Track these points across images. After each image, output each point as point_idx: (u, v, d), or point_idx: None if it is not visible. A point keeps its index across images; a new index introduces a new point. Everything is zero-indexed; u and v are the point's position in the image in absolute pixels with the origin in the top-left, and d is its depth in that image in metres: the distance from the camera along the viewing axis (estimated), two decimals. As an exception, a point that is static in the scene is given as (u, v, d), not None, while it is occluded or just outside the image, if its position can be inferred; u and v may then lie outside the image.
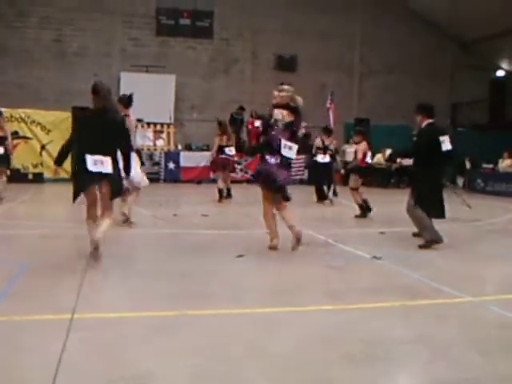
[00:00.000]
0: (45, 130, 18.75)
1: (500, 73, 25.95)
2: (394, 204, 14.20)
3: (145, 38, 23.11)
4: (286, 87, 7.41)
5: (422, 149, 7.83)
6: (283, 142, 7.09)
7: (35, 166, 18.63)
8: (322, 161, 13.90)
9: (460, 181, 21.22)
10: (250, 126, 21.61)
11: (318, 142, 14.20)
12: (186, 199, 14.20)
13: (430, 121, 8.01)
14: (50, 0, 21.97)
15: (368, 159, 11.73)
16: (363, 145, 11.84)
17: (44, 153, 18.33)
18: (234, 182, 20.26)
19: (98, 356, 3.48)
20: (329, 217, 11.69)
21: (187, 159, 20.24)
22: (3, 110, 18.29)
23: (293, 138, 7.22)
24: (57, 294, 4.88)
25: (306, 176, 21.27)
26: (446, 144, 7.84)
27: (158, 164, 20.33)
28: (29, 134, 18.76)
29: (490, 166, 20.57)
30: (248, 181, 19.98)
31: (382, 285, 5.52)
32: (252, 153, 8.34)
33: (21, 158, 17.48)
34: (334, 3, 23.76)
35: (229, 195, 13.89)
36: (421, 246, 7.74)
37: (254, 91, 23.28)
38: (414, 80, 24.17)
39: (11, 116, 18.14)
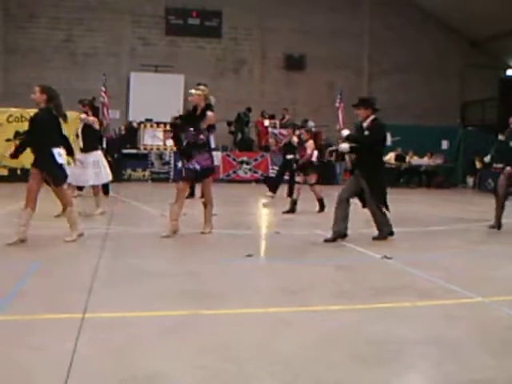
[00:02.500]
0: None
1: (510, 72, 25.86)
2: (403, 203, 14.19)
3: (154, 37, 23.18)
4: (202, 87, 8.05)
5: (375, 142, 7.92)
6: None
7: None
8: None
9: (470, 180, 21.17)
10: (259, 126, 21.67)
11: (294, 139, 13.91)
12: (195, 199, 14.18)
13: (375, 116, 8.01)
14: (60, 0, 22.07)
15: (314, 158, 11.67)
16: (311, 143, 11.80)
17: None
18: (242, 181, 20.37)
19: (110, 355, 3.49)
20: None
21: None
22: (14, 109, 18.42)
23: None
24: (68, 293, 4.90)
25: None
26: (388, 140, 8.14)
27: (167, 164, 20.37)
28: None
29: (500, 165, 20.45)
30: (257, 180, 20.00)
31: (393, 285, 5.51)
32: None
33: (29, 158, 17.50)
34: (343, 2, 23.76)
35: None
36: (375, 238, 8.02)
37: (263, 91, 23.32)
38: (424, 79, 24.13)
39: (21, 116, 18.03)
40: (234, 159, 21.13)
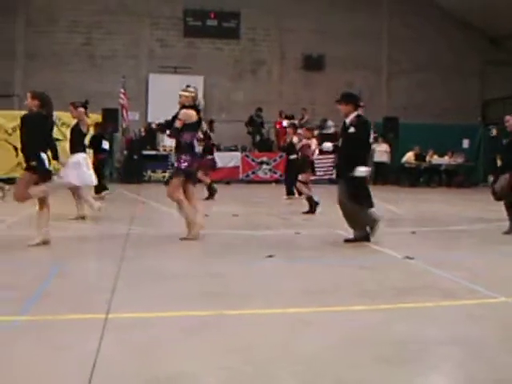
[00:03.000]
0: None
1: (531, 69, 25.54)
2: (424, 203, 14.12)
3: (172, 39, 23.26)
4: (190, 89, 8.06)
5: (363, 140, 7.67)
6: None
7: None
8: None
9: (491, 179, 20.96)
10: (278, 126, 21.66)
11: (295, 139, 13.89)
12: (215, 199, 14.23)
13: (359, 112, 7.76)
14: (79, 4, 22.25)
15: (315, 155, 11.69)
16: (314, 141, 11.80)
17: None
18: (262, 182, 20.38)
19: (133, 356, 3.51)
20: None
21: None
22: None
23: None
24: (91, 294, 4.94)
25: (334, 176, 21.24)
26: (371, 137, 7.97)
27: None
28: (59, 136, 18.97)
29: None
30: (276, 181, 20.00)
31: (415, 285, 5.48)
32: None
33: (50, 159, 17.63)
34: (362, 1, 23.67)
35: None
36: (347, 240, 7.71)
37: (282, 91, 23.30)
38: (444, 78, 23.96)
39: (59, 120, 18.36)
40: (253, 160, 21.15)
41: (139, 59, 23.10)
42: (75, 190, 9.78)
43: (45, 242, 7.19)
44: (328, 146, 8.25)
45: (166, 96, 22.05)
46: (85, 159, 10.07)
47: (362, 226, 7.73)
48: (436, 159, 21.59)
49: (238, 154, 21.32)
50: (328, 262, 6.63)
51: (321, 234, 8.47)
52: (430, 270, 6.17)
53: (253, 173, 21.01)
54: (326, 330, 4.10)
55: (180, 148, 7.91)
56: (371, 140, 7.99)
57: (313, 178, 11.50)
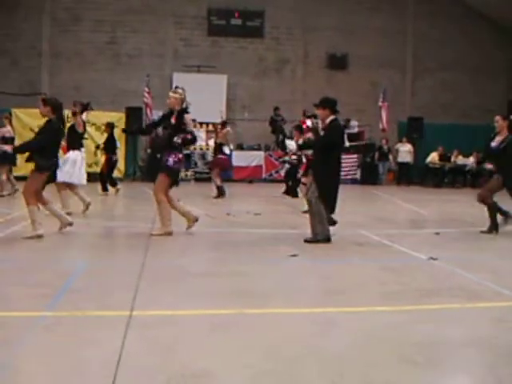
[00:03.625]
0: (99, 130, 19.08)
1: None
2: (448, 204, 13.99)
3: (196, 38, 23.31)
4: (179, 91, 8.24)
5: (333, 144, 7.77)
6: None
7: (90, 166, 18.99)
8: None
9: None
10: (302, 125, 21.57)
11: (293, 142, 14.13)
12: (238, 198, 14.26)
13: (335, 116, 7.93)
14: (103, 4, 22.41)
15: None
16: None
17: (99, 152, 18.70)
18: (280, 181, 20.35)
19: (157, 353, 3.53)
20: (382, 216, 11.53)
21: (239, 158, 20.26)
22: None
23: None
24: (115, 291, 4.98)
25: (358, 175, 21.18)
26: (346, 141, 8.17)
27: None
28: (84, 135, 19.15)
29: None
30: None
31: (440, 286, 5.43)
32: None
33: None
34: (386, 0, 23.52)
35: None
36: (307, 241, 7.64)
37: (306, 90, 23.22)
38: (469, 77, 23.71)
39: (67, 117, 18.52)
40: (276, 159, 21.14)
41: (164, 58, 23.19)
42: (65, 187, 10.11)
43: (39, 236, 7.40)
44: (291, 143, 8.49)
45: (190, 95, 22.15)
46: (83, 158, 10.49)
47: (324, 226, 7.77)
48: (461, 159, 21.36)
49: (261, 153, 21.32)
50: (352, 262, 6.61)
51: (344, 233, 8.43)
52: (454, 271, 6.11)
53: (276, 172, 20.98)
54: (351, 330, 4.08)
55: (171, 147, 8.04)
56: (346, 144, 8.21)
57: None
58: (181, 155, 8.17)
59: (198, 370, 3.27)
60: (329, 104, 7.98)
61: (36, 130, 19.19)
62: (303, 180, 11.63)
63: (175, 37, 23.21)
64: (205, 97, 20.99)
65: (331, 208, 7.81)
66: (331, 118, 7.89)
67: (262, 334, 3.96)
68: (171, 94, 8.24)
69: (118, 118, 18.95)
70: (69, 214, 9.42)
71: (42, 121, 7.86)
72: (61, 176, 9.86)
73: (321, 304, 4.75)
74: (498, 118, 9.33)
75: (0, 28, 21.68)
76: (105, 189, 14.25)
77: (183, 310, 4.44)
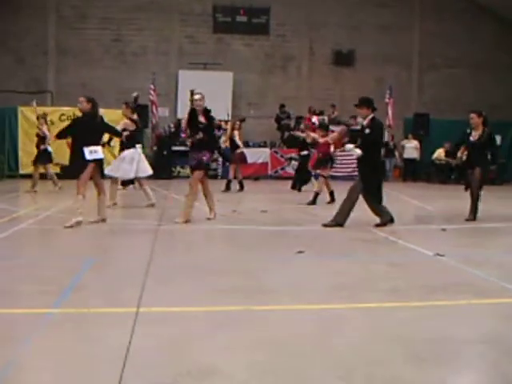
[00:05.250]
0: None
1: None
2: (454, 200, 13.93)
3: (202, 35, 23.28)
4: (202, 94, 9.09)
5: (377, 141, 8.70)
6: None
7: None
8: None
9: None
10: (307, 122, 21.56)
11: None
12: (244, 195, 14.26)
13: (373, 115, 8.67)
14: (109, 1, 22.41)
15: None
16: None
17: (105, 150, 18.77)
18: (291, 178, 20.33)
19: (164, 349, 3.54)
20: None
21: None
22: (66, 108, 18.88)
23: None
24: (122, 288, 4.99)
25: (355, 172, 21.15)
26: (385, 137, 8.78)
27: (215, 160, 20.46)
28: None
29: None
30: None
31: (446, 282, 5.42)
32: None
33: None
34: (393, -4, 23.46)
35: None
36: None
37: (312, 87, 23.18)
38: (475, 73, 23.59)
39: (74, 114, 18.54)
40: (282, 156, 21.12)
41: (169, 56, 23.18)
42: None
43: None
44: (350, 147, 8.88)
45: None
46: (139, 154, 11.18)
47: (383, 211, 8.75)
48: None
49: (267, 150, 21.30)
50: (358, 259, 6.60)
51: (351, 230, 8.43)
52: (461, 267, 6.10)
53: (282, 169, 20.97)
54: (357, 327, 4.08)
55: (203, 144, 8.82)
56: (385, 140, 8.93)
57: (337, 173, 12.24)
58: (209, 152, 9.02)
59: (205, 366, 3.28)
60: (369, 103, 8.80)
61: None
62: (321, 172, 12.31)
63: (181, 34, 23.18)
64: (210, 94, 20.95)
65: (379, 199, 8.66)
66: (371, 116, 8.60)
67: (269, 330, 3.96)
68: (197, 96, 8.99)
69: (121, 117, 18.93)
70: (114, 204, 10.73)
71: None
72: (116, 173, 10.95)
73: (328, 300, 4.75)
74: (473, 115, 9.78)
75: (6, 26, 21.70)
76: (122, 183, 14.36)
77: (190, 307, 4.45)
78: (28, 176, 18.71)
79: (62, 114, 18.99)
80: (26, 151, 18.67)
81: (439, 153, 21.24)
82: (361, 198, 8.73)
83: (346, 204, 8.66)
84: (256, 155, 20.66)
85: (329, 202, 12.15)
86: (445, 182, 20.59)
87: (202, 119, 8.89)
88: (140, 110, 19.71)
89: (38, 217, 9.39)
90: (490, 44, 23.58)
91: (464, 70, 23.63)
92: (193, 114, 8.94)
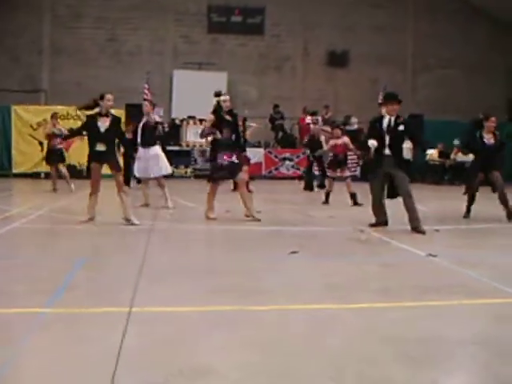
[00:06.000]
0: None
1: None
2: (448, 201, 13.99)
3: (196, 35, 23.31)
4: (228, 95, 9.50)
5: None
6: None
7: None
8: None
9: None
10: (301, 122, 21.59)
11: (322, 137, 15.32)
12: (237, 195, 14.24)
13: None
14: (104, 1, 22.41)
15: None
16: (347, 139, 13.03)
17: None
18: (284, 178, 20.36)
19: (157, 349, 3.53)
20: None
21: (238, 156, 20.26)
22: (60, 107, 18.84)
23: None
24: (114, 287, 4.98)
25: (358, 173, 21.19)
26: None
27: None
28: (84, 132, 19.14)
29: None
30: (300, 177, 19.95)
31: (439, 283, 5.43)
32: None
33: (77, 155, 17.85)
34: (386, -3, 23.52)
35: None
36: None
37: (306, 87, 23.24)
38: (469, 74, 23.69)
39: (67, 114, 18.56)
40: (276, 156, 21.14)
41: (164, 55, 23.19)
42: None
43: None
44: (372, 142, 8.97)
45: (190, 92, 22.18)
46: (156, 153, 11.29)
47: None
48: (461, 157, 21.32)
49: (261, 150, 21.32)
50: (352, 259, 6.61)
51: (345, 230, 8.44)
52: (453, 268, 6.12)
53: (276, 169, 20.99)
54: (350, 327, 4.09)
55: (234, 144, 9.22)
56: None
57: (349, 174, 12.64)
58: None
59: (198, 366, 3.27)
60: (399, 100, 8.69)
61: (35, 126, 19.19)
62: (331, 174, 12.60)
63: (175, 34, 23.20)
64: (205, 94, 20.97)
65: (381, 198, 8.81)
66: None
67: (262, 330, 3.96)
68: (225, 97, 9.35)
69: (119, 116, 18.93)
70: (147, 205, 10.93)
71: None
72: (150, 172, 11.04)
73: (321, 301, 4.75)
74: (494, 118, 9.73)
75: (1, 24, 21.67)
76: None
77: (183, 307, 4.44)
78: (21, 175, 18.69)
79: (56, 113, 18.94)
80: (20, 150, 18.67)
81: (433, 153, 21.28)
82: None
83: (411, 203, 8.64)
84: (250, 155, 20.63)
85: (324, 203, 12.18)
86: (438, 182, 20.65)
87: (229, 119, 9.20)
88: (134, 110, 19.78)
89: (31, 216, 9.36)
90: (483, 45, 23.67)
91: (457, 70, 23.72)
92: (218, 113, 9.20)
